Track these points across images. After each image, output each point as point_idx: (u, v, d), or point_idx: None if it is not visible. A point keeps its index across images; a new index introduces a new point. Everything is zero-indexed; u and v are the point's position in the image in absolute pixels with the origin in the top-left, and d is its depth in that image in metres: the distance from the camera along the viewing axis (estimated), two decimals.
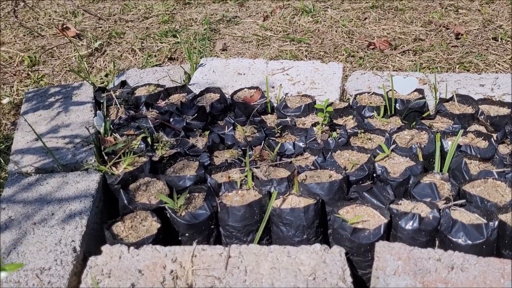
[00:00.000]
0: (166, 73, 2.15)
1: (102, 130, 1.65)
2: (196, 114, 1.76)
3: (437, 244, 1.29)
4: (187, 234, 1.34)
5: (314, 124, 1.67)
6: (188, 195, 1.41)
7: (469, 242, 1.23)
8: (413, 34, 2.78)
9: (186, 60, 2.59)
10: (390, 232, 1.31)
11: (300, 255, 1.21)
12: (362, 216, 1.32)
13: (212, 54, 2.66)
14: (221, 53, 2.67)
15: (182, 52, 2.70)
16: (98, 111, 1.69)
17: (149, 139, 1.63)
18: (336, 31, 2.86)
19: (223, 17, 3.07)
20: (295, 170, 1.46)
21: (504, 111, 1.71)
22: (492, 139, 1.55)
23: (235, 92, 1.89)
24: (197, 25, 3.00)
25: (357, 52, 2.64)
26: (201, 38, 2.68)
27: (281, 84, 1.94)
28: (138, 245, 1.22)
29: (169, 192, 1.42)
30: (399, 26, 2.89)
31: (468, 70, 2.39)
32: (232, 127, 1.71)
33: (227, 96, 1.88)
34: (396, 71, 2.39)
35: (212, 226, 1.36)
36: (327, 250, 1.22)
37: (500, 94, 1.87)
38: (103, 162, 1.55)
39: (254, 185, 1.45)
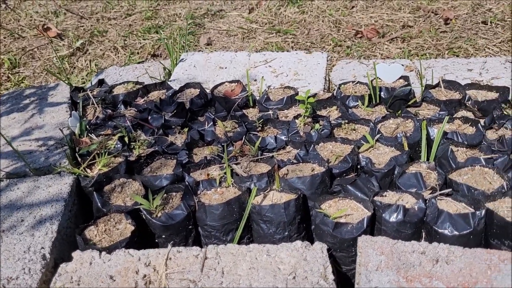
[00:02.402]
0: (145, 70, 2.09)
1: (77, 131, 1.59)
2: (175, 111, 1.70)
3: (423, 236, 1.24)
4: (163, 236, 1.29)
5: (296, 117, 1.62)
6: (165, 195, 1.36)
7: (456, 232, 1.17)
8: (401, 21, 2.72)
9: (169, 57, 2.53)
10: (374, 226, 1.26)
11: (280, 253, 1.16)
12: (345, 210, 1.27)
13: (197, 49, 2.59)
14: (206, 48, 2.61)
15: (165, 49, 2.64)
16: (73, 112, 1.64)
17: (126, 138, 1.58)
18: (322, 21, 2.80)
19: (207, 11, 3.01)
20: (275, 165, 1.40)
21: (492, 95, 1.65)
22: (479, 124, 1.50)
23: (216, 86, 1.84)
24: (181, 20, 2.93)
25: (345, 41, 2.57)
26: (185, 34, 2.62)
27: (263, 77, 1.88)
28: (110, 249, 1.17)
29: (145, 192, 1.37)
30: (387, 14, 2.82)
31: (457, 56, 2.33)
32: (212, 122, 1.66)
33: (207, 91, 1.83)
34: (384, 59, 2.33)
35: (190, 227, 1.31)
36: (309, 247, 1.17)
37: (489, 78, 1.81)
38: (77, 164, 1.49)
39: (233, 182, 1.39)
